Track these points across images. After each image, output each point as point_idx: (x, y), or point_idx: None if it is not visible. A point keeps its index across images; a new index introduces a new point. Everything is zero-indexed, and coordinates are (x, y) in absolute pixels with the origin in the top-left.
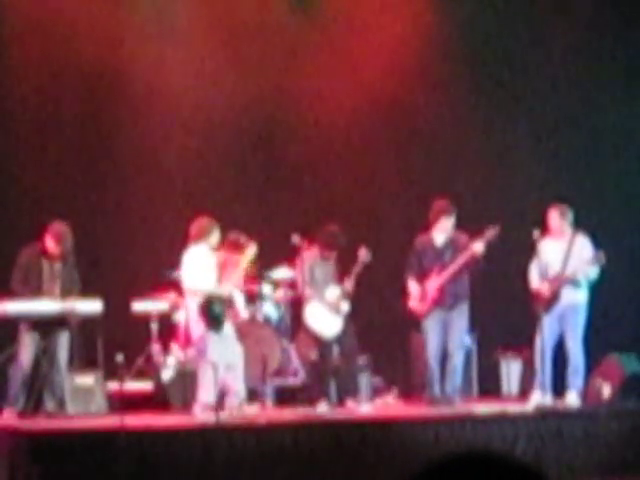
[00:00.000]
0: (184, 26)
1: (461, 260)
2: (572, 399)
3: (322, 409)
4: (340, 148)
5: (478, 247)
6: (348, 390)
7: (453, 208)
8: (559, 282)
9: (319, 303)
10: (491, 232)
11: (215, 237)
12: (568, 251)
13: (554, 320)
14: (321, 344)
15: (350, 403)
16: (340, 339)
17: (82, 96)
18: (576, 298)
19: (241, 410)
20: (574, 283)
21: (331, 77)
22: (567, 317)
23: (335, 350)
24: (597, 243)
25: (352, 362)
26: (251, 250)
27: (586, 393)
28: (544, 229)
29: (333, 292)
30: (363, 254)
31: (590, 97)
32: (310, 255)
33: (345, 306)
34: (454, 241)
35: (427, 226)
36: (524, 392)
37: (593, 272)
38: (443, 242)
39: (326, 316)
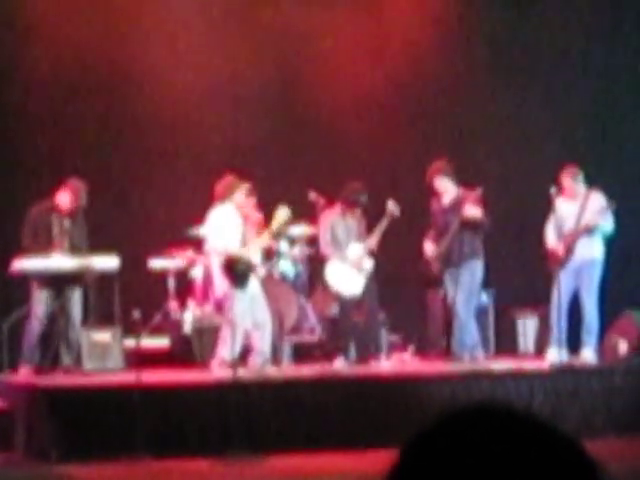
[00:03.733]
0: None
1: (457, 222)
2: (588, 355)
3: (339, 365)
4: (360, 108)
5: (468, 210)
6: (369, 348)
7: (444, 168)
8: (574, 236)
9: (340, 262)
10: (473, 195)
11: (240, 196)
12: (582, 209)
13: (570, 276)
14: (342, 302)
15: (371, 360)
16: (361, 297)
17: (101, 58)
18: (591, 252)
19: (263, 370)
20: (589, 232)
21: (350, 39)
22: (582, 273)
23: (355, 308)
24: (612, 199)
25: (373, 320)
26: (283, 212)
27: (603, 350)
28: (560, 188)
29: (355, 250)
30: (391, 207)
31: (605, 54)
32: (331, 213)
33: (368, 264)
34: (460, 200)
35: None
36: (540, 349)
37: (608, 223)
38: (449, 202)
39: (347, 275)
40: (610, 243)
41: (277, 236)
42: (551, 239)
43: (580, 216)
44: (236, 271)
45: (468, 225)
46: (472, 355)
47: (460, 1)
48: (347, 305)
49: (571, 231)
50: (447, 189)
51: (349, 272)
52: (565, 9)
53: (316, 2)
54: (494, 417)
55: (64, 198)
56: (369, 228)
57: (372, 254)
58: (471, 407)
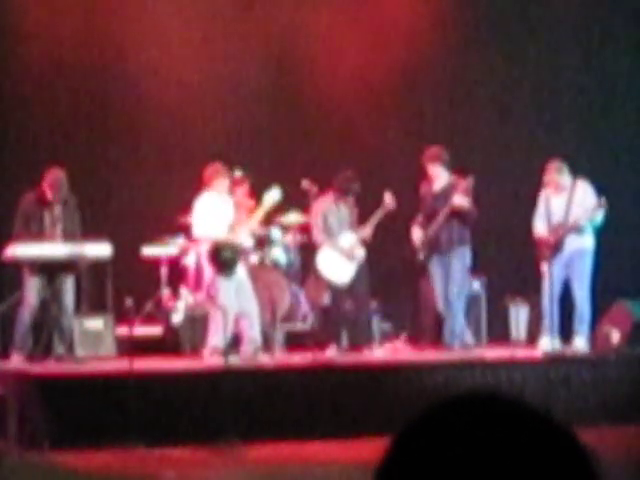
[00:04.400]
0: None
1: (446, 210)
2: (580, 344)
3: (331, 354)
4: (353, 97)
5: (457, 200)
6: (360, 336)
7: (440, 155)
8: (563, 230)
9: (332, 250)
10: (464, 184)
11: (224, 181)
12: (569, 200)
13: (560, 267)
14: (333, 290)
15: (363, 348)
16: (353, 285)
17: (93, 47)
18: (582, 244)
19: (255, 357)
20: (578, 230)
21: (344, 28)
22: (573, 263)
23: (347, 296)
24: (602, 190)
25: (364, 308)
26: (274, 192)
27: (595, 339)
28: (546, 182)
29: (348, 238)
30: (388, 200)
31: (592, 49)
32: (324, 201)
33: (360, 253)
34: (451, 188)
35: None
36: (532, 338)
37: (597, 217)
38: (440, 189)
39: (339, 263)
40: (602, 233)
41: (268, 218)
42: (540, 230)
43: (568, 208)
44: (222, 258)
45: (456, 214)
46: (462, 341)
47: None
48: (338, 293)
49: (560, 224)
50: (439, 175)
51: (340, 260)
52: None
53: None
54: (486, 405)
55: (46, 190)
56: (362, 216)
57: (365, 244)
58: (463, 395)
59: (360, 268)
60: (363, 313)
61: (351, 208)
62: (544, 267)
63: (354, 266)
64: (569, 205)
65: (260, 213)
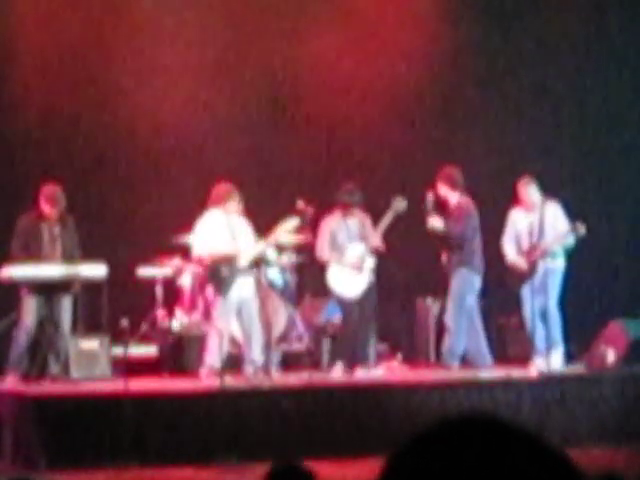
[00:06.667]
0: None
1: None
2: (557, 362)
3: (338, 372)
4: (350, 114)
5: (430, 222)
6: (357, 356)
7: (447, 176)
8: (536, 254)
9: (339, 265)
10: (452, 206)
11: (233, 204)
12: (541, 222)
13: (536, 289)
14: (343, 307)
15: (359, 368)
16: (361, 304)
17: (86, 58)
18: (553, 265)
19: (255, 379)
20: (551, 254)
21: (342, 50)
22: (545, 283)
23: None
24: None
25: (366, 328)
26: (292, 222)
27: (590, 359)
28: (515, 200)
29: (355, 250)
30: (397, 203)
31: (568, 69)
32: (331, 219)
33: (369, 263)
34: (454, 208)
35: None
36: (527, 357)
37: (570, 241)
38: (451, 208)
39: (348, 277)
40: (596, 252)
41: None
42: (512, 254)
43: (541, 229)
44: (218, 276)
45: (434, 237)
46: (477, 361)
47: (451, 10)
48: (349, 311)
49: (532, 246)
50: (447, 196)
51: (349, 274)
52: (552, 21)
53: (306, 13)
54: (481, 429)
55: (45, 206)
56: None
57: (376, 252)
58: (458, 418)
59: (369, 287)
60: (364, 333)
61: (361, 219)
62: (522, 292)
63: (365, 278)
64: (541, 227)
65: (273, 238)
